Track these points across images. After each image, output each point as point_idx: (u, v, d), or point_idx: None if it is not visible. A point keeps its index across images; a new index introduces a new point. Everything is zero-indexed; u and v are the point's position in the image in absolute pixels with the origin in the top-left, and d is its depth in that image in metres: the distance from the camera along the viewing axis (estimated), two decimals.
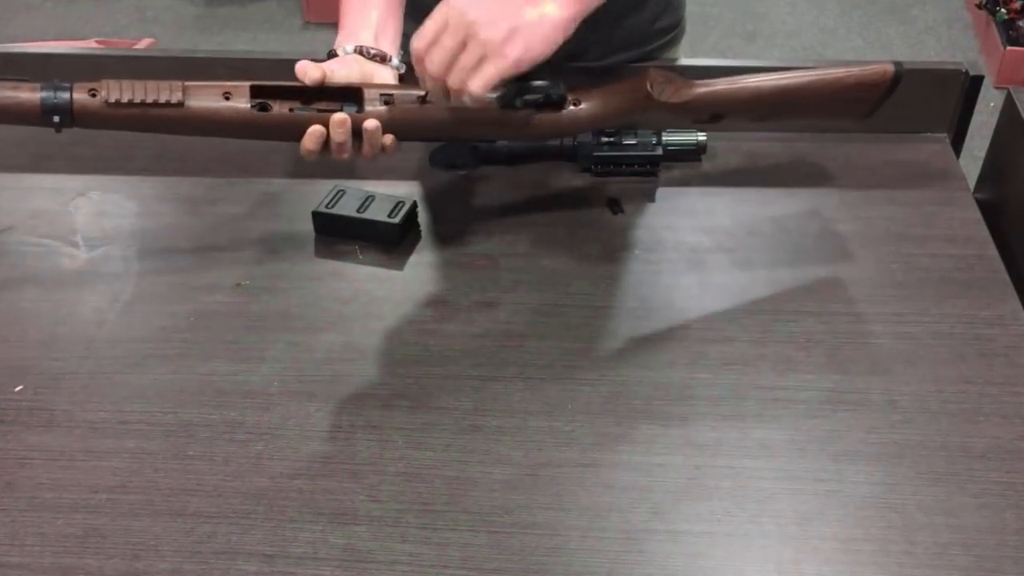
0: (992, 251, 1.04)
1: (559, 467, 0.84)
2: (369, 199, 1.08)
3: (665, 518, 0.80)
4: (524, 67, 0.89)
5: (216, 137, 0.96)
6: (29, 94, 0.91)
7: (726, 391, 0.90)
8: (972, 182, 1.16)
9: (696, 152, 1.14)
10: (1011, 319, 0.96)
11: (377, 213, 1.06)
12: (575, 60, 1.19)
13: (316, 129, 0.93)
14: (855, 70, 1.01)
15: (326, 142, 0.94)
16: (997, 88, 2.79)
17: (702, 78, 1.00)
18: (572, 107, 0.98)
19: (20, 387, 0.92)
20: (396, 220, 1.05)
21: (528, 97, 0.95)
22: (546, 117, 0.97)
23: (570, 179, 1.15)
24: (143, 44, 2.83)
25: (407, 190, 1.12)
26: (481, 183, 1.15)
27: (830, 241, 1.06)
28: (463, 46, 0.87)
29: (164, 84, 0.92)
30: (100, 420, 0.89)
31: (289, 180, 1.16)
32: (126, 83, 0.92)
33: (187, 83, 0.93)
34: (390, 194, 1.08)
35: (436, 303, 1.00)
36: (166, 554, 0.78)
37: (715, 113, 1.01)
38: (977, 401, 0.89)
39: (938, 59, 1.07)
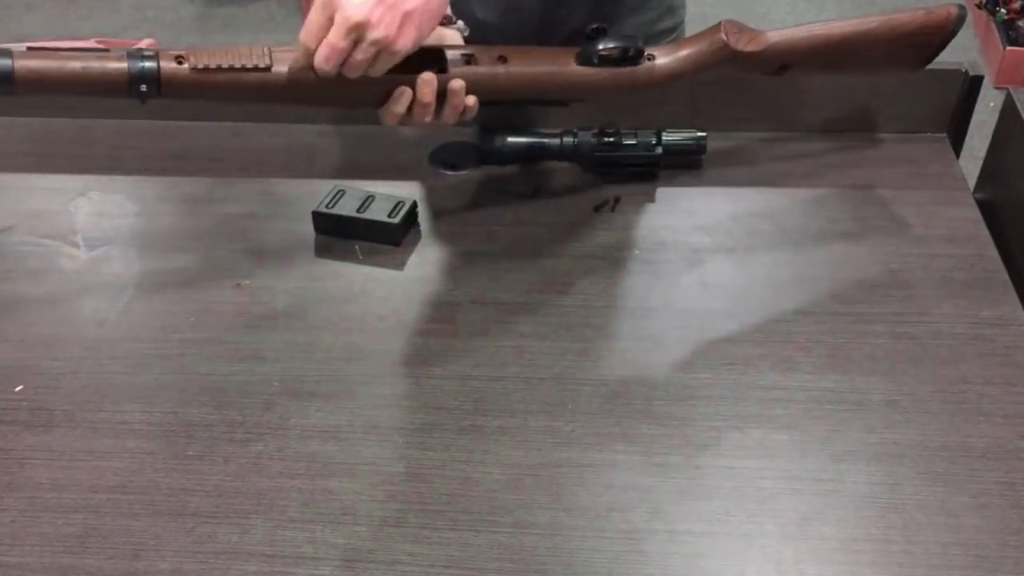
0: (992, 251, 1.04)
1: (559, 467, 0.84)
2: (369, 199, 1.07)
3: (665, 518, 0.80)
4: (416, 47, 0.89)
5: (300, 104, 0.94)
6: (116, 64, 0.88)
7: (726, 391, 0.90)
8: (972, 182, 1.16)
9: (696, 152, 1.14)
10: (1011, 319, 0.96)
11: (377, 213, 1.06)
12: None
13: (404, 91, 0.92)
14: (920, 12, 1.01)
15: (410, 105, 0.93)
16: (997, 88, 2.78)
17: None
18: (648, 62, 0.99)
19: (20, 387, 0.92)
20: (396, 220, 1.05)
21: (606, 52, 0.96)
22: (623, 73, 0.98)
23: (570, 179, 1.15)
24: (143, 44, 2.82)
25: (407, 190, 1.12)
26: (481, 183, 1.14)
27: (830, 241, 1.06)
28: (354, 46, 0.86)
29: (245, 49, 0.90)
30: (100, 420, 0.89)
31: (289, 180, 1.16)
32: (211, 49, 0.90)
33: (272, 47, 0.91)
34: (390, 194, 1.08)
35: (436, 303, 1.00)
36: (166, 554, 0.78)
37: (784, 63, 1.02)
38: (977, 401, 0.89)
39: (938, 59, 1.07)
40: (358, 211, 1.06)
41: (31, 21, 3.50)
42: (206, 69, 0.89)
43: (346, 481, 0.83)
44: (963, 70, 1.16)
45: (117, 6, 3.54)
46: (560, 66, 0.98)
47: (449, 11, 1.03)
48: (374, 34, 0.85)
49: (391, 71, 0.91)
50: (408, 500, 0.82)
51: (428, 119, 0.95)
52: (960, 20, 1.02)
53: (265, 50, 0.91)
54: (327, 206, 1.07)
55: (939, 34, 1.02)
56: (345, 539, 0.79)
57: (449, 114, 0.95)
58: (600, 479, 0.83)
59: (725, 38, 0.99)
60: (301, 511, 0.81)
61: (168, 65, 0.89)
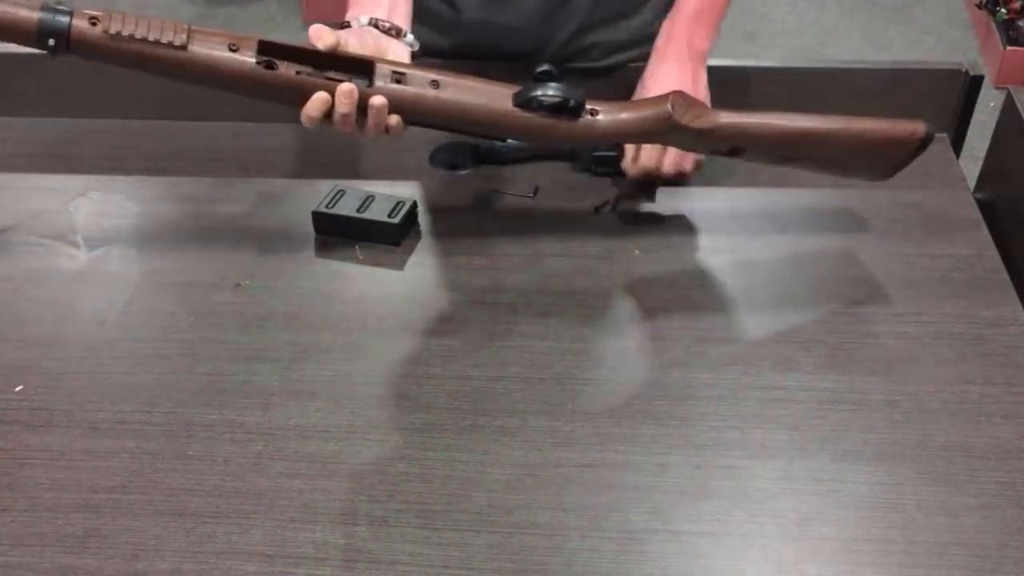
0: (992, 251, 1.04)
1: (559, 467, 0.84)
2: (369, 199, 1.07)
3: (665, 518, 0.80)
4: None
5: (214, 89, 0.92)
6: (27, 12, 0.87)
7: (726, 391, 0.90)
8: (972, 182, 1.16)
9: None
10: (1011, 319, 0.96)
11: (377, 213, 1.06)
12: (575, 61, 1.19)
13: (321, 96, 0.90)
14: (885, 124, 0.98)
15: (329, 112, 0.91)
16: (997, 88, 2.78)
17: (726, 107, 0.98)
18: (589, 117, 0.95)
19: (20, 387, 0.92)
20: (396, 220, 1.05)
21: (544, 100, 0.93)
22: (560, 123, 0.94)
23: (570, 179, 1.15)
24: None
25: (407, 190, 1.12)
26: (481, 183, 1.14)
27: (830, 241, 1.06)
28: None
29: (169, 24, 0.89)
30: (100, 420, 0.89)
31: (289, 180, 1.16)
32: (130, 17, 0.88)
33: (193, 28, 0.89)
34: (390, 194, 1.08)
35: (436, 303, 1.00)
36: (166, 554, 0.78)
37: (735, 147, 0.98)
38: (977, 401, 0.89)
39: (938, 59, 1.06)
40: (358, 211, 1.06)
41: None
42: (118, 35, 0.88)
43: (346, 481, 0.83)
44: (963, 70, 1.16)
45: (117, 6, 3.55)
46: (495, 102, 0.94)
47: (404, 25, 1.01)
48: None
49: (316, 74, 0.89)
50: (408, 500, 0.82)
51: (348, 130, 0.92)
52: (926, 141, 0.98)
53: (184, 27, 0.89)
54: (327, 206, 1.07)
55: (901, 150, 0.99)
56: (345, 539, 0.79)
57: (371, 129, 0.93)
58: (600, 479, 0.83)
59: (671, 109, 0.95)
60: (301, 511, 0.81)
61: (80, 24, 0.88)
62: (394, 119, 0.93)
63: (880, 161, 1.01)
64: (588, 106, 0.95)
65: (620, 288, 1.02)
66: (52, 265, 1.05)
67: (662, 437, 0.86)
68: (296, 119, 1.20)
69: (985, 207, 1.10)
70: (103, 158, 1.20)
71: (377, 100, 0.91)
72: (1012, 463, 0.83)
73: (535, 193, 1.13)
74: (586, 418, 0.88)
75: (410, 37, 1.01)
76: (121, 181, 1.17)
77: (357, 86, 0.91)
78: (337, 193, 1.08)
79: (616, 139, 0.99)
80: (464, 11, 1.18)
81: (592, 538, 0.79)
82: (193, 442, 0.86)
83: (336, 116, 0.91)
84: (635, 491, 0.82)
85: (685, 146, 1.02)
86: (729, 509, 0.80)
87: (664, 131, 0.96)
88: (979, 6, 3.05)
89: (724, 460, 0.84)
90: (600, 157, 1.13)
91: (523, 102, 0.93)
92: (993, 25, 2.98)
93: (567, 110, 0.94)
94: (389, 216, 1.06)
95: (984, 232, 1.07)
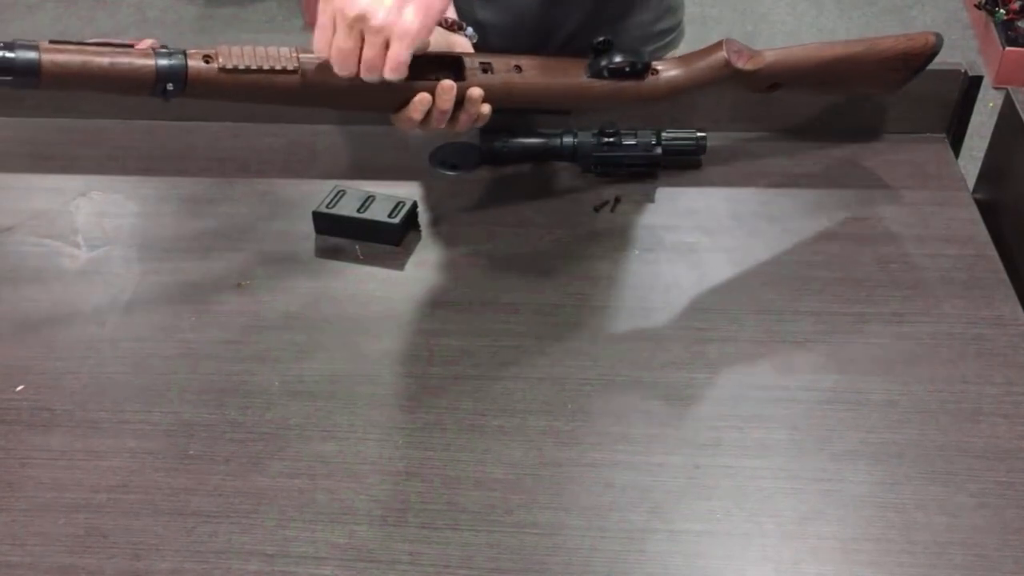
0: (992, 251, 1.04)
1: (559, 467, 0.84)
2: (369, 199, 1.08)
3: (665, 518, 0.80)
4: (428, 33, 0.87)
5: (326, 108, 0.96)
6: (143, 60, 0.87)
7: (726, 391, 0.90)
8: (971, 182, 1.16)
9: (696, 152, 1.14)
10: (1011, 319, 0.96)
11: (377, 213, 1.06)
12: None
13: (424, 97, 0.92)
14: (902, 39, 1.06)
15: (428, 111, 0.93)
16: (996, 88, 2.78)
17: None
18: (652, 76, 1.01)
19: (20, 387, 0.92)
20: (396, 220, 1.05)
21: (614, 66, 0.98)
22: (629, 86, 1.00)
23: (570, 179, 1.15)
24: (145, 44, 2.82)
25: (407, 190, 1.12)
26: (481, 183, 1.15)
27: (830, 241, 1.06)
28: (362, 41, 0.86)
29: (273, 50, 0.90)
30: (100, 420, 0.89)
31: (289, 180, 1.16)
32: (236, 48, 0.89)
33: (297, 48, 0.91)
34: (390, 194, 1.08)
35: (436, 303, 1.01)
36: (167, 554, 0.78)
37: (775, 82, 1.05)
38: (977, 401, 0.89)
39: (937, 59, 1.07)
40: (358, 211, 1.06)
41: (32, 22, 3.50)
42: (235, 70, 0.88)
43: (346, 481, 0.83)
44: (963, 70, 1.16)
45: (118, 7, 3.54)
46: (571, 77, 0.99)
47: (455, 15, 1.03)
48: (374, 22, 0.84)
49: (411, 77, 0.90)
50: (408, 500, 0.82)
51: (443, 126, 0.95)
52: (937, 48, 1.06)
53: (293, 53, 0.90)
54: (327, 206, 1.07)
55: (917, 59, 1.07)
56: (345, 539, 0.79)
57: (464, 121, 0.96)
58: (600, 479, 0.83)
59: (727, 56, 1.01)
60: (301, 511, 0.81)
61: (196, 64, 0.88)
62: (486, 108, 0.96)
63: (897, 74, 1.08)
64: (651, 66, 1.01)
65: (620, 288, 1.02)
66: (52, 265, 1.05)
67: (662, 437, 0.86)
68: (296, 119, 1.21)
69: (985, 207, 1.10)
70: (103, 158, 1.20)
71: (474, 92, 0.94)
72: (1012, 463, 0.84)
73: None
74: (586, 418, 0.88)
75: (470, 30, 1.03)
76: (121, 181, 1.17)
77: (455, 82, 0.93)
78: (337, 193, 1.08)
79: (679, 92, 1.03)
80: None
81: (592, 538, 0.79)
82: (193, 442, 0.87)
83: (435, 113, 0.93)
84: (635, 491, 0.82)
85: (734, 89, 1.06)
86: (729, 509, 0.81)
87: (724, 78, 1.02)
88: (979, 6, 3.04)
89: (724, 460, 0.84)
90: (600, 157, 1.13)
91: (597, 71, 0.99)
92: (992, 25, 2.98)
93: (636, 72, 0.99)
94: (389, 216, 1.06)
95: (984, 232, 1.07)
